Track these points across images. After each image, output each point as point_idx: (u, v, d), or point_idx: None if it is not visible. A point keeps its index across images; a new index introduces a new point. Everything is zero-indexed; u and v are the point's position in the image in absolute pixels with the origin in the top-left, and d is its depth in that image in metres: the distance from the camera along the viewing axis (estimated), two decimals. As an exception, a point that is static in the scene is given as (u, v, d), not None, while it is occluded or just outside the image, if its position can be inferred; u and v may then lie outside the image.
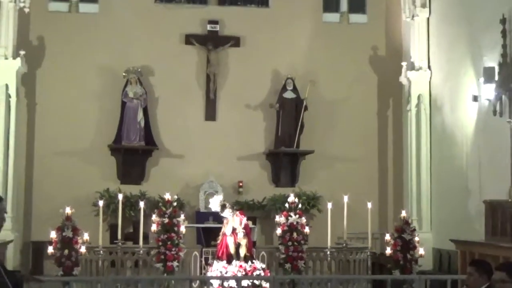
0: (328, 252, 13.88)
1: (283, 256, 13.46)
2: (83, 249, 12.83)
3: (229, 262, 12.78)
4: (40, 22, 17.90)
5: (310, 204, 17.78)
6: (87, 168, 17.84)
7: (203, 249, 14.00)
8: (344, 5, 19.23)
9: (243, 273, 12.49)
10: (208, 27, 18.49)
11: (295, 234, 13.47)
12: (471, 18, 15.17)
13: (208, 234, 15.38)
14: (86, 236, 13.05)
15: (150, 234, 14.41)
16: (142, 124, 17.82)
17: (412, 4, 17.44)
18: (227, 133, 18.34)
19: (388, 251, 13.66)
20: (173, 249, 13.02)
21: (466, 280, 7.16)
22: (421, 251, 13.71)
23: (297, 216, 13.61)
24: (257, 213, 17.90)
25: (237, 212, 13.19)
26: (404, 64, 17.67)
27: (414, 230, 13.85)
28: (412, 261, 13.50)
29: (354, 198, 14.51)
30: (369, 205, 14.12)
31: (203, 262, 13.73)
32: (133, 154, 17.97)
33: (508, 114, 13.12)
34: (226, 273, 12.48)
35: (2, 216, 5.24)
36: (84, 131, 17.93)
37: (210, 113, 18.51)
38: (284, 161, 18.44)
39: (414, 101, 17.37)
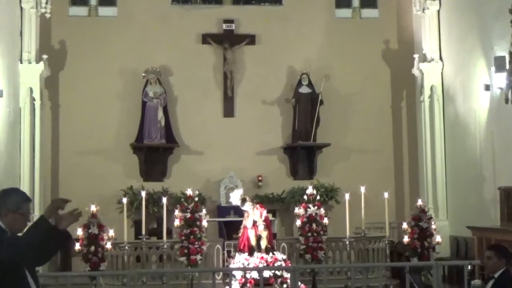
0: (347, 242, 13.91)
1: (303, 247, 13.57)
2: (108, 245, 13.01)
3: (250, 254, 12.94)
4: (61, 26, 18.16)
5: (328, 195, 17.86)
6: (111, 166, 18.08)
7: (225, 242, 14.18)
8: (356, 0, 19.27)
9: (265, 264, 12.59)
10: (224, 26, 18.64)
11: (314, 225, 13.56)
12: (481, 9, 15.22)
13: (229, 227, 15.62)
14: (111, 233, 13.24)
15: (173, 229, 14.58)
16: (163, 122, 17.96)
17: (422, -3, 17.50)
18: (246, 129, 18.49)
19: (406, 239, 13.72)
20: (196, 243, 13.14)
21: (485, 264, 7.39)
22: (438, 238, 13.74)
23: (316, 207, 13.71)
24: (277, 205, 18.05)
25: (257, 205, 13.35)
26: (416, 56, 17.73)
27: (431, 218, 13.93)
28: (429, 249, 13.59)
29: (370, 188, 14.56)
30: (386, 195, 14.03)
31: (226, 254, 13.87)
32: (155, 152, 18.16)
33: (520, 102, 13.14)
34: (248, 264, 12.61)
35: (28, 217, 5.25)
36: (107, 131, 18.14)
37: (228, 110, 18.69)
38: (302, 154, 18.57)
39: (427, 92, 17.43)
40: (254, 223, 13.12)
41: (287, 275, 12.37)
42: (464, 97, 16.23)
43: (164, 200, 14.09)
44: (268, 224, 13.32)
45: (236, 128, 18.54)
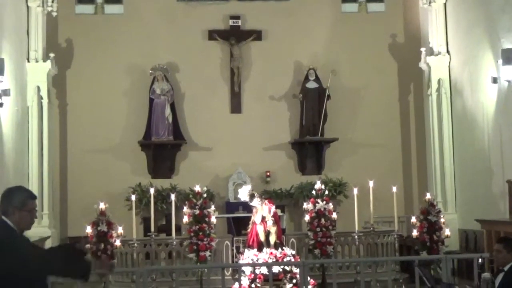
0: (356, 236, 13.85)
1: (312, 242, 13.51)
2: (118, 243, 12.98)
3: (260, 249, 12.81)
4: (68, 25, 18.24)
5: (337, 190, 17.89)
6: (119, 164, 18.15)
7: (234, 238, 14.12)
8: (361, -6, 19.28)
9: (274, 260, 12.51)
10: (230, 22, 18.69)
11: (323, 220, 13.48)
12: (487, 1, 15.14)
13: (238, 223, 15.63)
14: (120, 230, 13.19)
15: (182, 226, 14.49)
16: (170, 119, 18.03)
17: (429, -10, 17.44)
18: (253, 125, 18.53)
19: (415, 233, 13.67)
20: (205, 239, 13.10)
21: (494, 257, 7.37)
22: (447, 232, 13.70)
23: (324, 202, 13.62)
24: (285, 201, 18.10)
25: (266, 201, 13.20)
26: (423, 50, 17.70)
27: (440, 211, 13.87)
28: (438, 242, 13.52)
29: (379, 183, 14.43)
30: (394, 189, 13.93)
31: (235, 250, 13.83)
32: (163, 149, 18.22)
33: (528, 94, 13.12)
34: (257, 260, 12.51)
35: (34, 214, 5.40)
36: (115, 129, 18.23)
37: (236, 106, 18.73)
38: (310, 149, 18.60)
39: (434, 85, 17.39)
40: (263, 219, 13.00)
41: (296, 270, 12.31)
42: (471, 90, 16.18)
43: (173, 196, 14.05)
44: (276, 220, 13.21)
45: (243, 124, 18.58)
